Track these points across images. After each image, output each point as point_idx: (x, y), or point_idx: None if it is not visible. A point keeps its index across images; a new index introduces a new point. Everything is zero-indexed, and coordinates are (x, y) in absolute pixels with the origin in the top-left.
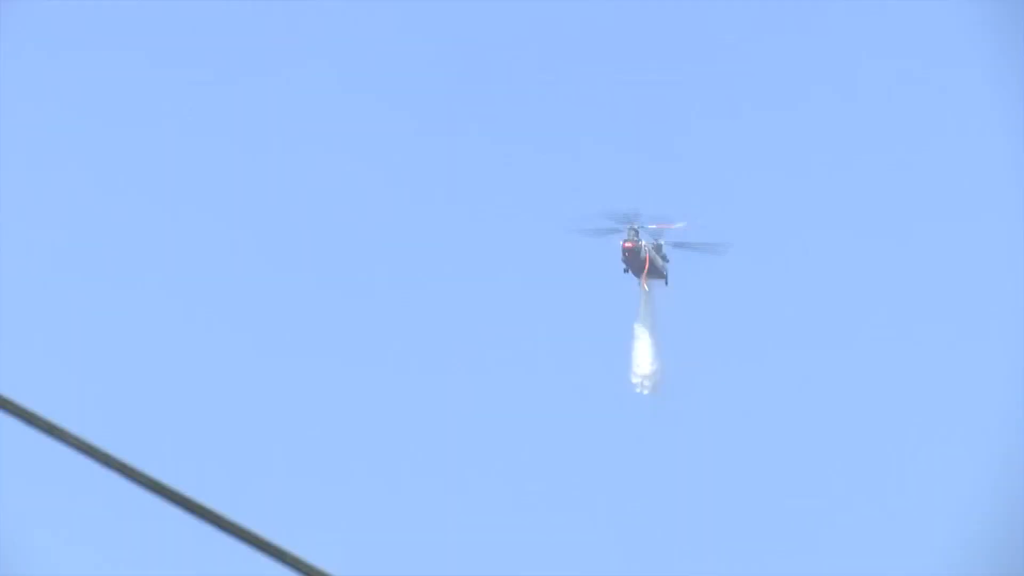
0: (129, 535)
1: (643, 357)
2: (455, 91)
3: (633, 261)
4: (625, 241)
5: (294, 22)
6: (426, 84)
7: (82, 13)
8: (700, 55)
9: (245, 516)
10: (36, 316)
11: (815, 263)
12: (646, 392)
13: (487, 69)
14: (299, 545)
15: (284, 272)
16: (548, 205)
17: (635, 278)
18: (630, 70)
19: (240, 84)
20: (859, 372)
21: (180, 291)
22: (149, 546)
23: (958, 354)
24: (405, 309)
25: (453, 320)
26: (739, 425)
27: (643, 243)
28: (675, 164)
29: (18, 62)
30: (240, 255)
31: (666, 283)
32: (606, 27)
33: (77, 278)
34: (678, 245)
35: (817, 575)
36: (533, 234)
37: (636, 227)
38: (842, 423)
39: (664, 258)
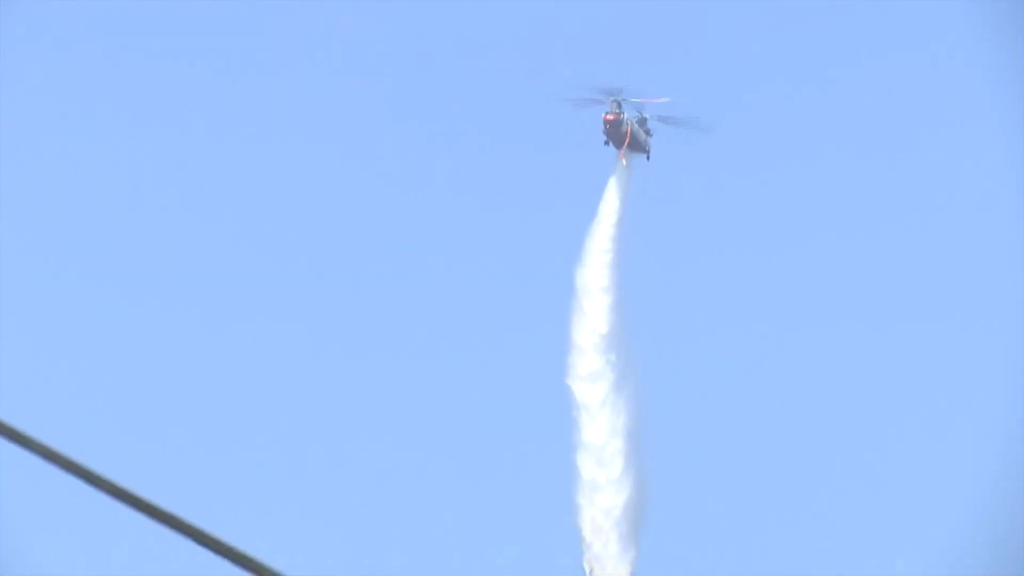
0: (96, 544)
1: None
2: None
3: (614, 134)
4: (607, 114)
5: (293, 22)
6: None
7: (82, 13)
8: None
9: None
10: (26, 314)
11: (812, 262)
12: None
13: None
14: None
15: (273, 267)
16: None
17: (616, 151)
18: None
19: (238, 83)
20: (831, 359)
21: (161, 286)
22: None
23: (947, 342)
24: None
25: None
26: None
27: (625, 116)
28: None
29: (18, 62)
30: (207, 248)
31: (647, 158)
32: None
33: (68, 275)
34: (664, 120)
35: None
36: (517, 102)
37: (619, 100)
38: (809, 393)
39: (647, 132)
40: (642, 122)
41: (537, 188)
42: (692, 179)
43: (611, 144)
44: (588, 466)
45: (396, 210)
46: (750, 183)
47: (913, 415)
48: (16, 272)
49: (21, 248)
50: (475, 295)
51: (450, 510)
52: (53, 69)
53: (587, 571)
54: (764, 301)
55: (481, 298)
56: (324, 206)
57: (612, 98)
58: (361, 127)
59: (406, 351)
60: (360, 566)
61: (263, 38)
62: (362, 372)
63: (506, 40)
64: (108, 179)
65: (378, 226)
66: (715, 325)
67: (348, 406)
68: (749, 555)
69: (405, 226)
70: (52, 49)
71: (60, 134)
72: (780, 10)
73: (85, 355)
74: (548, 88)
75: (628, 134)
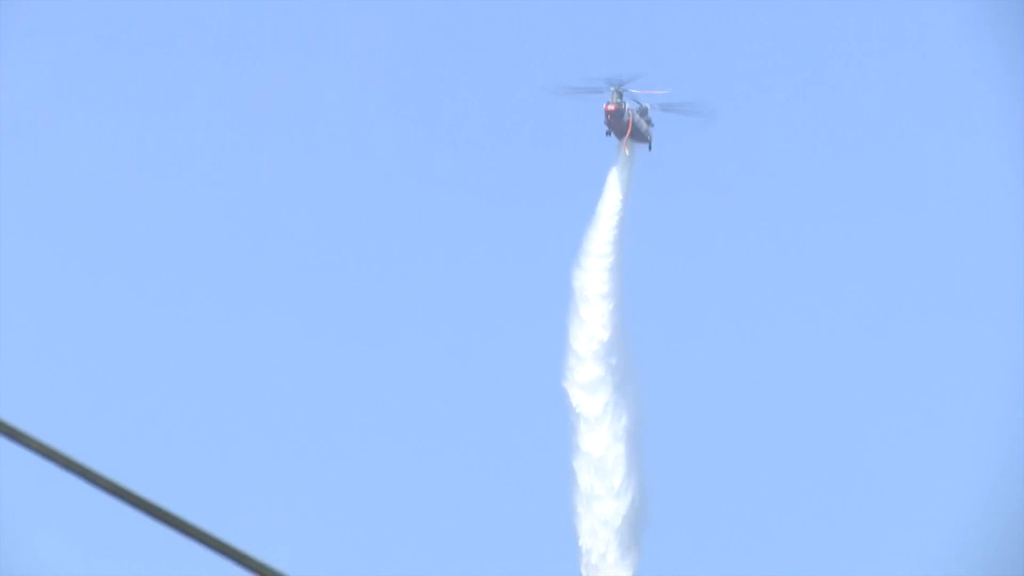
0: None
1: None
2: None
3: (616, 124)
4: (608, 104)
5: (293, 19)
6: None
7: (82, 12)
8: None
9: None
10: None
11: (811, 261)
12: None
13: None
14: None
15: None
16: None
17: (617, 141)
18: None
19: (235, 82)
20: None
21: (161, 285)
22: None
23: (948, 342)
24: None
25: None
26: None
27: (627, 106)
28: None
29: (18, 60)
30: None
31: (649, 148)
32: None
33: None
34: (665, 107)
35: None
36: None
37: (620, 90)
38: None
39: (648, 122)
40: (643, 112)
41: (538, 180)
42: (695, 169)
43: (613, 135)
44: (587, 477)
45: (395, 208)
46: (754, 175)
47: (913, 418)
48: (16, 272)
49: (21, 248)
50: (477, 289)
51: (448, 513)
52: (53, 68)
53: None
54: (768, 298)
55: (483, 291)
56: (316, 204)
57: (613, 88)
58: (357, 122)
59: (405, 351)
60: (360, 569)
61: (263, 37)
62: (357, 375)
63: (504, 31)
64: (108, 178)
65: (376, 226)
66: (719, 324)
67: (344, 408)
68: (750, 561)
69: (405, 224)
70: (52, 48)
71: (61, 134)
72: (783, 4)
73: (85, 354)
74: (547, 79)
75: (630, 124)
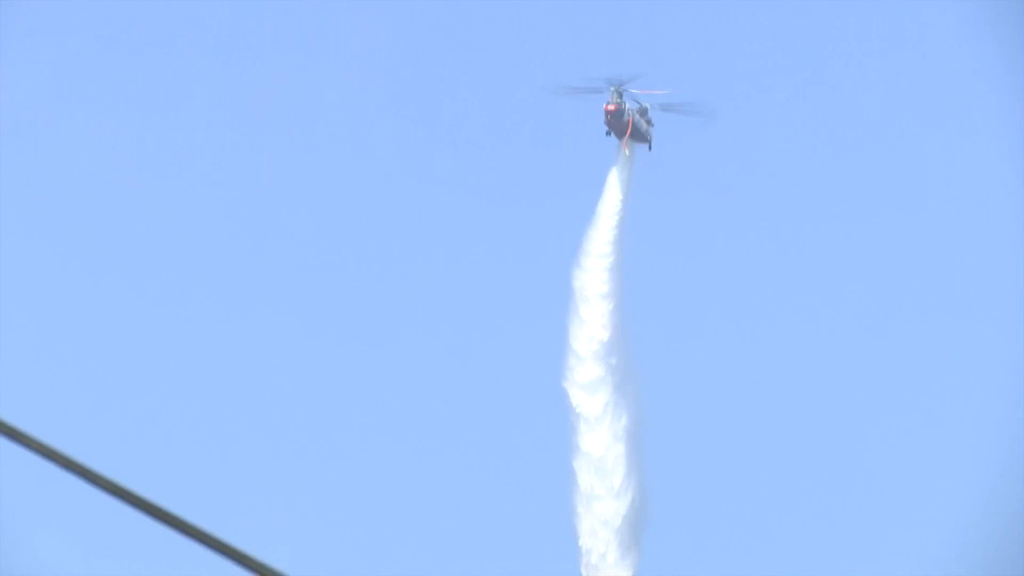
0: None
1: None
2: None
3: (616, 124)
4: (608, 104)
5: (293, 19)
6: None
7: (82, 12)
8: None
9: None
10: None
11: (811, 261)
12: None
13: None
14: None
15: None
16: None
17: (617, 141)
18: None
19: (235, 82)
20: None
21: (161, 285)
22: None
23: (948, 342)
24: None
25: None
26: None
27: (627, 106)
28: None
29: (18, 60)
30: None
31: (649, 148)
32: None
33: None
34: (665, 107)
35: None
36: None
37: (620, 90)
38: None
39: (648, 122)
40: (643, 112)
41: (538, 180)
42: (695, 169)
43: (613, 135)
44: (587, 477)
45: (395, 208)
46: (753, 175)
47: (913, 418)
48: (16, 272)
49: (21, 248)
50: (477, 289)
51: (448, 513)
52: (53, 68)
53: None
54: (768, 298)
55: (483, 292)
56: (316, 204)
57: (613, 88)
58: (357, 122)
59: (405, 351)
60: (360, 569)
61: (263, 37)
62: (357, 375)
63: (504, 31)
64: (108, 178)
65: (376, 226)
66: (719, 324)
67: (344, 408)
68: (750, 561)
69: (405, 224)
70: (52, 48)
71: (61, 134)
72: (783, 4)
73: (85, 354)
74: (547, 79)
75: (630, 124)
